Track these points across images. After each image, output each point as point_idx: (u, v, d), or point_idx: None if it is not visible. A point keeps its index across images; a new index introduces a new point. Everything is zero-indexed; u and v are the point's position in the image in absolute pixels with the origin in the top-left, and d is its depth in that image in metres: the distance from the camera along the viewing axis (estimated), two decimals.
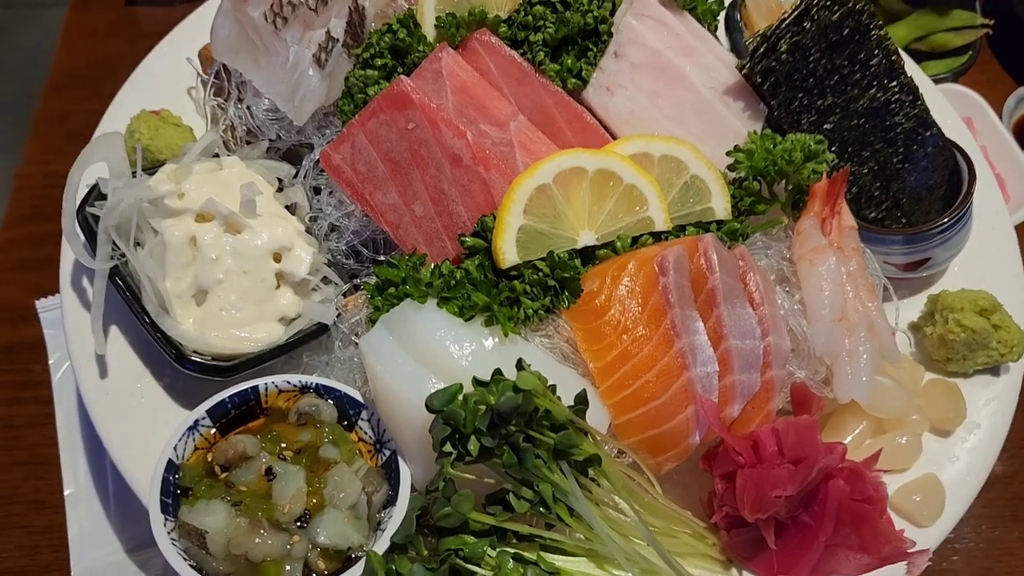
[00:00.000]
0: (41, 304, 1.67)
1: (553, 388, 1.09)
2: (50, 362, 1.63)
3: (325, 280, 1.33)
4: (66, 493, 1.51)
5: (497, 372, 1.10)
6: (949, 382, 1.36)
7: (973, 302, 1.34)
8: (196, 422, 1.19)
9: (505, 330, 1.16)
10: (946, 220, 1.38)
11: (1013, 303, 1.41)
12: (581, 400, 1.10)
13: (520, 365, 1.07)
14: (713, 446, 1.22)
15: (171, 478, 1.15)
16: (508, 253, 1.20)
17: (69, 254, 1.39)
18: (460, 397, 1.07)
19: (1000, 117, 1.92)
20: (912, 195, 1.43)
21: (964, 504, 1.28)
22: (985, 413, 1.35)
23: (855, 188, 1.41)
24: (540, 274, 1.20)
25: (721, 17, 1.58)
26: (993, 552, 1.53)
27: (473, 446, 1.06)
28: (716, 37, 1.55)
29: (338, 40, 1.39)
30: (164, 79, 1.61)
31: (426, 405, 1.07)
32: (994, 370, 1.39)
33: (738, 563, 1.19)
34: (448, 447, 1.07)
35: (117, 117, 1.55)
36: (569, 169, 1.22)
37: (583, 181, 1.23)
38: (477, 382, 1.10)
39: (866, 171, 1.42)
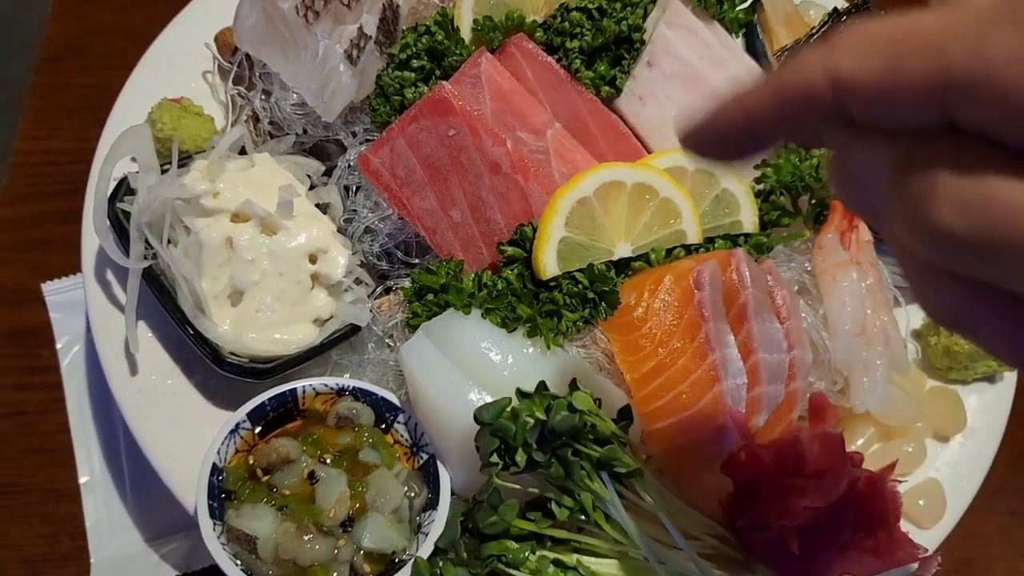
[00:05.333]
0: (47, 287, 1.64)
1: (598, 402, 1.13)
2: (58, 347, 1.61)
3: (357, 281, 1.34)
4: (81, 481, 1.50)
5: (541, 384, 1.14)
6: (950, 390, 1.44)
7: None
8: (237, 425, 1.20)
9: (547, 343, 1.19)
10: None
11: None
12: (625, 415, 1.14)
13: (575, 385, 1.10)
14: (735, 452, 1.27)
15: (215, 481, 1.16)
16: (549, 265, 1.22)
17: (91, 247, 1.36)
18: (509, 410, 1.11)
19: None
20: None
21: (963, 506, 1.36)
22: (982, 419, 1.43)
23: None
24: (580, 286, 1.23)
25: None
26: (972, 543, 1.63)
27: (520, 458, 1.10)
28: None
29: (371, 37, 1.37)
30: (177, 62, 1.57)
31: (475, 418, 1.11)
32: (990, 378, 1.46)
33: (756, 564, 1.26)
34: (495, 458, 1.11)
35: (131, 103, 1.50)
36: (609, 183, 1.25)
37: (622, 194, 1.26)
38: (521, 393, 1.14)
39: None
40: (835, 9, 1.41)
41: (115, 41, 1.97)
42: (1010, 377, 1.47)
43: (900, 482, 1.22)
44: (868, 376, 1.29)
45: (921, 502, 1.34)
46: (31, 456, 1.52)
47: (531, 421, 1.09)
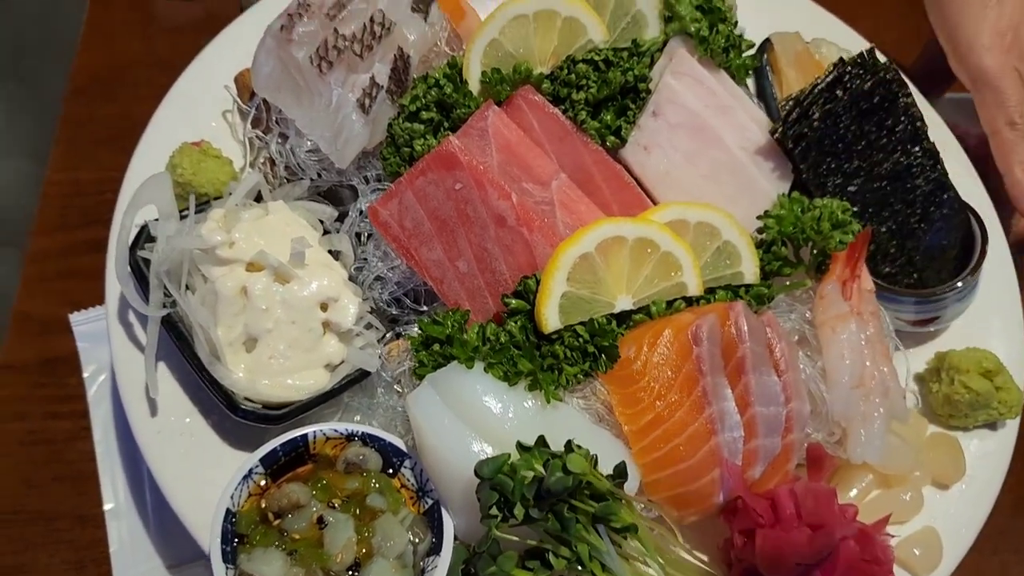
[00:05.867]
0: (75, 318, 1.70)
1: (595, 459, 1.17)
2: (85, 376, 1.67)
3: (367, 326, 1.39)
4: (106, 508, 1.57)
5: (540, 439, 1.18)
6: (950, 437, 1.45)
7: (978, 363, 1.43)
8: (250, 470, 1.25)
9: (547, 397, 1.23)
10: (959, 285, 1.45)
11: (1013, 357, 1.50)
12: (620, 472, 1.17)
13: (570, 447, 1.14)
14: (733, 501, 1.31)
15: (228, 526, 1.21)
16: (551, 319, 1.26)
17: (114, 291, 1.42)
18: (508, 466, 1.15)
19: None
20: (926, 253, 1.50)
21: (960, 554, 1.38)
22: (981, 467, 1.44)
23: (872, 245, 1.47)
24: (580, 340, 1.26)
25: None
26: None
27: (519, 512, 1.14)
28: (746, 84, 1.59)
29: (382, 87, 1.41)
30: (198, 103, 1.62)
31: (475, 472, 1.15)
32: (991, 425, 1.48)
33: None
34: (495, 510, 1.15)
35: (154, 145, 1.56)
36: (611, 238, 1.28)
37: (623, 248, 1.29)
38: (521, 447, 1.18)
39: (884, 230, 1.48)
40: (841, 59, 1.42)
41: (141, 71, 2.02)
42: (1012, 424, 1.48)
43: (892, 537, 1.25)
44: (865, 428, 1.32)
45: (917, 551, 1.36)
46: (59, 483, 1.59)
47: (529, 476, 1.14)
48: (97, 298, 1.72)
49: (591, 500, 1.15)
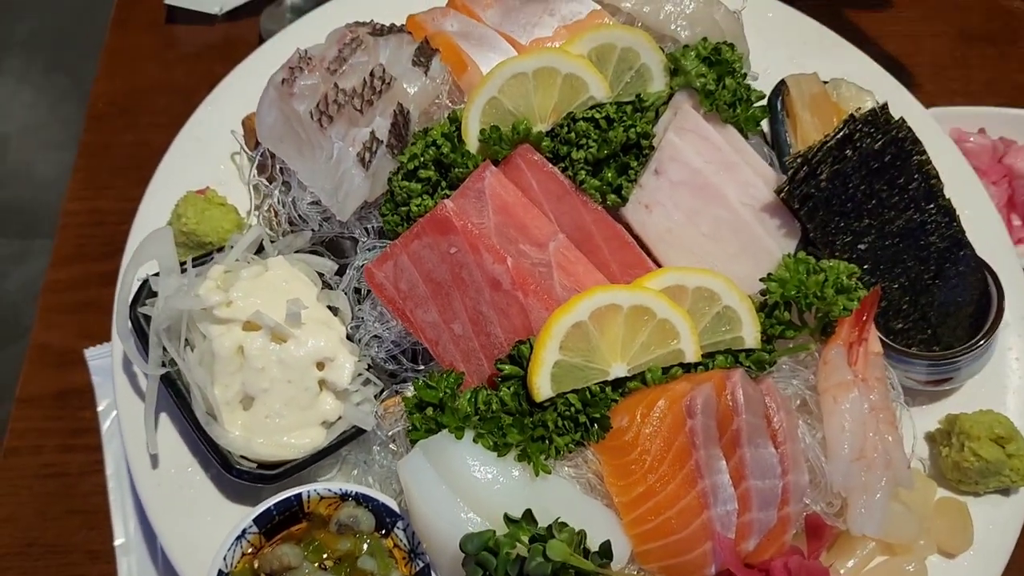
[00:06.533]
0: (90, 353, 1.73)
1: (582, 536, 1.16)
2: (99, 409, 1.71)
3: (365, 381, 1.39)
4: (116, 543, 1.60)
5: (528, 513, 1.17)
6: (959, 503, 1.41)
7: (990, 429, 1.38)
8: (244, 531, 1.27)
9: (536, 469, 1.22)
10: (980, 344, 1.41)
11: None
12: (606, 552, 1.17)
13: (551, 532, 1.13)
14: (726, 571, 1.29)
15: None
16: (543, 388, 1.25)
17: (120, 344, 1.44)
18: (492, 542, 1.15)
19: None
20: (940, 309, 1.46)
21: None
22: (991, 534, 1.40)
23: (884, 302, 1.43)
24: (572, 409, 1.25)
25: None
26: None
27: None
28: (761, 130, 1.55)
29: (382, 141, 1.40)
30: (205, 147, 1.64)
31: (460, 547, 1.15)
32: (1004, 491, 1.44)
33: None
34: None
35: (161, 192, 1.58)
36: (605, 306, 1.26)
37: (618, 316, 1.27)
38: (508, 519, 1.18)
39: (896, 286, 1.44)
40: (851, 116, 1.37)
41: (159, 98, 2.04)
42: None
43: None
44: (866, 499, 1.29)
45: None
46: (72, 517, 1.62)
47: (513, 554, 1.13)
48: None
49: None
